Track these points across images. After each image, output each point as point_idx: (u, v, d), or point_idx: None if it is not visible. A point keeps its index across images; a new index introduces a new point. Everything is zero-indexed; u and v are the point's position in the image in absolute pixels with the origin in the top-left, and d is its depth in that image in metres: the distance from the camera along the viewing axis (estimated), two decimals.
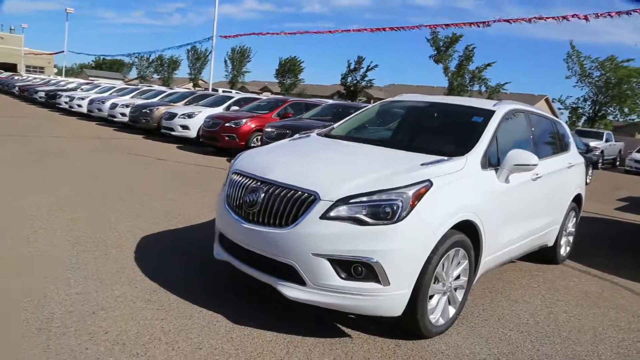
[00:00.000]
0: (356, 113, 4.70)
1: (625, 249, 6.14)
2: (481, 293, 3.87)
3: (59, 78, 33.64)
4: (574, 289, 4.26)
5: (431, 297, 2.91)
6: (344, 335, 2.93)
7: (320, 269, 2.65)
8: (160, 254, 4.04)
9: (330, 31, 24.19)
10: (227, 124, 11.22)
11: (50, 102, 20.81)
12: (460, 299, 3.16)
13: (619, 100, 29.47)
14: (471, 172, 3.20)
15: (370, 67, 37.55)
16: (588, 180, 12.93)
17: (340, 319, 3.09)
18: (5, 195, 5.47)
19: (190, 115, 12.75)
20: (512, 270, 4.57)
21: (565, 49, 32.35)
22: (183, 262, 3.89)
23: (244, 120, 11.32)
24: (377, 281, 2.63)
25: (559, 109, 34.81)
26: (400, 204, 2.67)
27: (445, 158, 3.19)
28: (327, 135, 4.19)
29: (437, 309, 2.98)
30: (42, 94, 22.14)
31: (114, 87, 21.24)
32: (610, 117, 31.58)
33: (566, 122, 33.51)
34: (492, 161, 3.45)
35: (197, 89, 34.10)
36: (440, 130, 4.18)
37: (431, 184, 2.81)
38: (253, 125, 11.25)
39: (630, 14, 14.23)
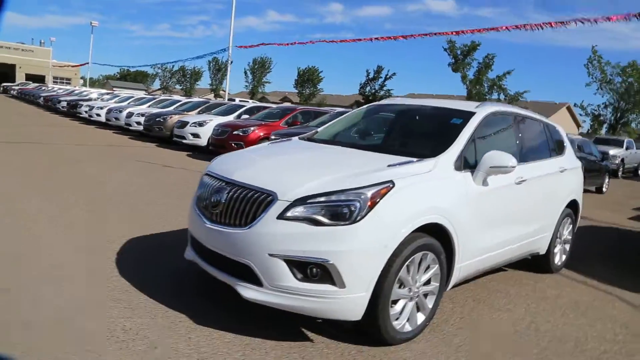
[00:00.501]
0: (342, 117, 4.66)
1: (630, 259, 5.86)
2: (463, 301, 3.74)
3: (83, 89, 34.67)
4: (564, 299, 4.08)
5: (396, 302, 2.82)
6: (305, 340, 2.87)
7: (277, 270, 2.61)
8: (142, 256, 4.06)
9: (344, 40, 24.32)
10: (235, 132, 11.34)
11: (72, 111, 21.45)
12: (430, 306, 3.05)
13: None
14: (441, 174, 3.11)
15: (388, 76, 37.62)
16: (604, 190, 12.52)
17: (307, 323, 3.02)
18: (5, 196, 5.62)
19: (201, 124, 12.91)
20: (501, 278, 4.42)
21: (587, 55, 31.58)
22: (161, 264, 3.90)
23: (251, 128, 11.43)
24: (333, 283, 2.57)
25: (580, 114, 33.96)
26: (358, 204, 2.61)
27: (415, 159, 3.12)
28: (309, 139, 4.16)
29: (403, 315, 2.88)
30: (64, 104, 22.84)
31: (132, 97, 21.76)
32: (633, 125, 30.62)
33: (588, 131, 32.68)
34: (469, 163, 3.35)
35: (218, 99, 34.63)
36: (419, 133, 4.10)
37: (393, 184, 2.74)
38: (261, 133, 11.32)
39: None
